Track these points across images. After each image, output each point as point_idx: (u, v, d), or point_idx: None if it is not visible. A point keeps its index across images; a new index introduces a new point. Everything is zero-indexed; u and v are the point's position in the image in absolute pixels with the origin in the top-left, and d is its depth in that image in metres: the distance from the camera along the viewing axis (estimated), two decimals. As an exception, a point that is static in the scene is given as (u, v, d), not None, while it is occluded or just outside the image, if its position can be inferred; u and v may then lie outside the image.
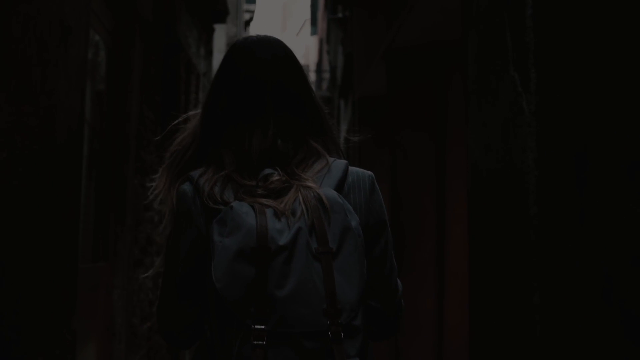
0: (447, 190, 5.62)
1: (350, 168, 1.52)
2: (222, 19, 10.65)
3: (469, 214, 2.85)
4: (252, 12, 20.19)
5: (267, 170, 1.45)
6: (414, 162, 5.71)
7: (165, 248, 1.53)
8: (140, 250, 6.12)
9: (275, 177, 1.43)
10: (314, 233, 1.36)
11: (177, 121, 1.63)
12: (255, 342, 1.31)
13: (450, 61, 5.65)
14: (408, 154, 5.73)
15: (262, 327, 1.31)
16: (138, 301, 6.09)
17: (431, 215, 5.62)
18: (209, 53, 10.53)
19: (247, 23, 19.79)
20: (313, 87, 1.68)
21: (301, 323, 1.33)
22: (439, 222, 5.61)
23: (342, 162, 1.51)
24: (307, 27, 33.76)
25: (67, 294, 3.63)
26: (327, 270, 1.35)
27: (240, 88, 1.52)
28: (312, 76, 20.42)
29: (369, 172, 1.55)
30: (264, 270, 1.33)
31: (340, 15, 11.22)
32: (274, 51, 1.55)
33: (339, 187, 1.47)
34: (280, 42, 1.59)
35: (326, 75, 19.16)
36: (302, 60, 28.82)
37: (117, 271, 5.52)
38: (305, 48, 35.45)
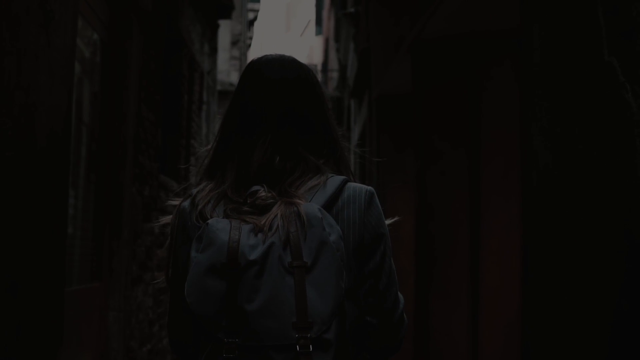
0: (481, 199, 5.02)
1: (349, 184, 1.53)
2: (227, 14, 10.07)
3: (534, 228, 2.29)
4: (257, 11, 19.78)
5: (255, 187, 1.48)
6: (445, 168, 5.09)
7: (169, 261, 1.59)
8: (139, 265, 5.52)
9: (261, 194, 1.46)
10: (289, 247, 1.38)
11: (203, 149, 1.68)
12: (225, 356, 1.34)
13: (486, 54, 5.04)
14: (437, 159, 5.12)
15: (234, 340, 1.35)
16: (137, 322, 5.49)
17: (464, 227, 5.01)
18: (214, 50, 9.94)
19: (251, 22, 19.36)
20: (328, 105, 1.66)
21: (270, 336, 1.35)
22: (473, 235, 5.00)
23: (339, 178, 1.52)
24: (312, 27, 33.49)
25: (52, 323, 3.13)
26: (299, 284, 1.36)
27: (248, 105, 1.57)
28: (318, 76, 19.87)
29: (368, 187, 1.55)
30: (235, 285, 1.36)
31: (351, 10, 10.62)
32: (284, 71, 1.58)
33: (331, 202, 1.49)
34: (294, 62, 1.62)
35: (333, 75, 18.62)
36: (306, 61, 28.38)
37: (113, 291, 4.92)
38: (310, 48, 35.07)
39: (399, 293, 1.56)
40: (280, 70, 1.58)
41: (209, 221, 1.42)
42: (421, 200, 5.19)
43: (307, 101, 1.58)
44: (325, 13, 22.67)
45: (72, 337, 4.22)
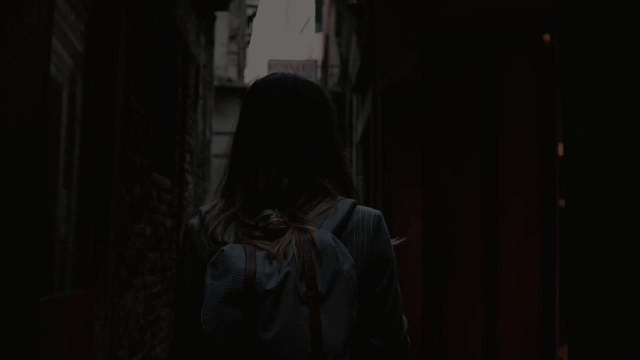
0: (498, 199, 4.62)
1: (357, 207, 1.53)
2: (224, 6, 9.67)
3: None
4: (255, 7, 19.40)
5: (267, 211, 1.48)
6: (459, 166, 4.69)
7: (175, 279, 1.60)
8: (129, 270, 5.13)
9: (274, 219, 1.46)
10: (304, 277, 1.39)
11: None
12: None
13: (504, 41, 4.65)
14: (451, 156, 4.72)
15: None
16: (126, 331, 5.10)
17: (480, 229, 4.61)
18: (210, 43, 9.53)
19: (250, 19, 18.99)
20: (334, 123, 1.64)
21: None
22: (489, 238, 4.60)
23: (348, 202, 1.52)
24: (311, 24, 33.21)
25: (25, 337, 2.83)
26: (314, 314, 1.37)
27: (250, 126, 1.58)
28: (318, 73, 19.49)
29: (376, 212, 1.55)
30: (251, 313, 1.36)
31: (354, 1, 10.22)
32: (284, 90, 1.57)
33: (341, 228, 1.49)
34: (298, 81, 1.60)
35: (334, 71, 18.24)
36: (305, 58, 27.97)
37: (98, 298, 4.53)
38: (309, 46, 34.74)
39: (403, 316, 1.57)
40: (280, 88, 1.58)
41: (225, 248, 1.42)
42: (432, 200, 4.79)
43: (309, 119, 1.57)
44: (325, 9, 22.39)
45: (52, 350, 3.83)
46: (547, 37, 4.62)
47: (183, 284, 1.54)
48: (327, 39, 22.02)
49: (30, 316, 3.00)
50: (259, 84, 1.62)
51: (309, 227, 1.45)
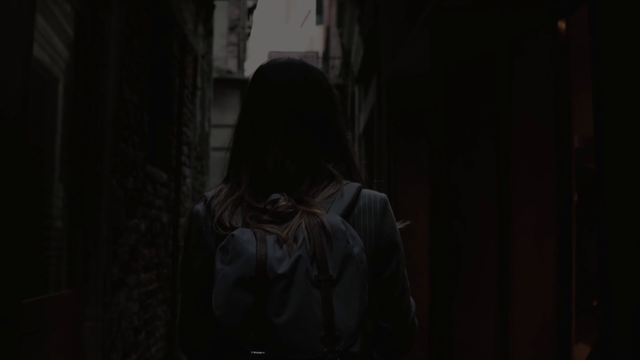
0: (512, 193, 4.36)
1: (363, 191, 1.53)
2: (223, -6, 9.39)
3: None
4: (256, -2, 19.13)
5: (275, 195, 1.48)
6: (470, 159, 4.42)
7: (181, 266, 1.58)
8: (122, 267, 4.88)
9: (282, 202, 1.46)
10: (315, 260, 1.39)
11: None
12: None
13: (518, 25, 4.38)
14: (461, 148, 4.46)
15: (261, 353, 1.36)
16: (119, 332, 4.85)
17: (492, 226, 4.36)
18: (209, 33, 9.26)
19: (251, 11, 18.73)
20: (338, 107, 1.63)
21: (298, 350, 1.36)
22: (502, 234, 4.34)
23: (354, 186, 1.52)
24: (312, 17, 33.03)
25: (4, 343, 2.60)
26: (326, 298, 1.37)
27: (258, 110, 1.57)
28: (319, 65, 19.26)
29: (382, 195, 1.55)
30: (263, 298, 1.36)
31: (357, -10, 9.94)
32: (290, 75, 1.57)
33: (348, 212, 1.49)
34: (303, 66, 1.60)
35: (335, 63, 17.98)
36: (306, 49, 27.70)
37: (89, 298, 4.28)
38: (310, 38, 34.53)
39: (410, 297, 1.59)
40: (286, 73, 1.57)
41: (235, 232, 1.42)
42: (441, 195, 4.53)
43: (316, 104, 1.56)
44: (326, 1, 22.19)
45: (39, 354, 3.59)
46: (562, 23, 4.36)
47: (189, 271, 1.53)
48: (328, 31, 21.83)
49: (11, 319, 2.76)
50: (266, 67, 1.61)
51: (317, 210, 1.45)
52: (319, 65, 19.41)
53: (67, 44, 4.20)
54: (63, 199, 4.14)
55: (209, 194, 1.55)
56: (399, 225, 1.57)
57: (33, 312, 3.56)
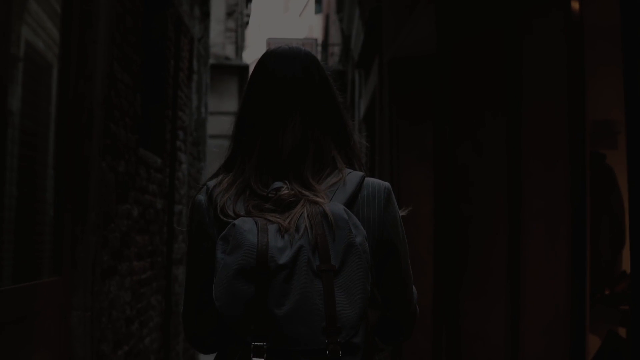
0: (522, 177, 4.14)
1: (367, 180, 1.52)
2: (220, -24, 9.14)
3: None
4: (254, -15, 18.86)
5: (277, 184, 1.47)
6: (478, 142, 4.19)
7: (187, 256, 1.58)
8: (112, 254, 4.66)
9: (284, 191, 1.45)
10: (317, 250, 1.38)
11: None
12: (254, 359, 1.34)
13: (528, 2, 4.15)
14: (469, 131, 4.23)
15: (262, 344, 1.34)
16: (109, 322, 4.63)
17: (502, 211, 4.14)
18: (206, 15, 9.02)
19: (249, -1, 18.47)
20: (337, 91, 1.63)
21: (300, 341, 1.35)
22: (512, 220, 4.12)
23: (358, 175, 1.51)
24: (310, 6, 32.90)
25: None
26: (328, 288, 1.36)
27: (262, 100, 1.55)
28: (318, 53, 19.03)
29: (386, 184, 1.54)
30: (264, 288, 1.35)
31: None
32: (296, 67, 1.56)
33: (351, 201, 1.48)
34: (307, 56, 1.60)
35: (335, 50, 17.75)
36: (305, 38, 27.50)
37: (77, 286, 4.06)
38: (309, 27, 34.33)
39: (413, 285, 1.58)
40: (292, 64, 1.56)
41: (236, 222, 1.40)
42: (447, 179, 4.31)
43: (319, 92, 1.56)
44: (325, -12, 21.99)
45: (21, 345, 3.37)
46: (575, 2, 4.13)
47: (193, 262, 1.52)
48: (327, 19, 21.64)
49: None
50: (269, 56, 1.59)
51: (320, 199, 1.43)
52: (318, 53, 19.19)
53: (52, 17, 3.97)
54: (49, 181, 3.92)
55: (211, 183, 1.53)
56: (402, 213, 1.55)
57: (16, 299, 3.34)
